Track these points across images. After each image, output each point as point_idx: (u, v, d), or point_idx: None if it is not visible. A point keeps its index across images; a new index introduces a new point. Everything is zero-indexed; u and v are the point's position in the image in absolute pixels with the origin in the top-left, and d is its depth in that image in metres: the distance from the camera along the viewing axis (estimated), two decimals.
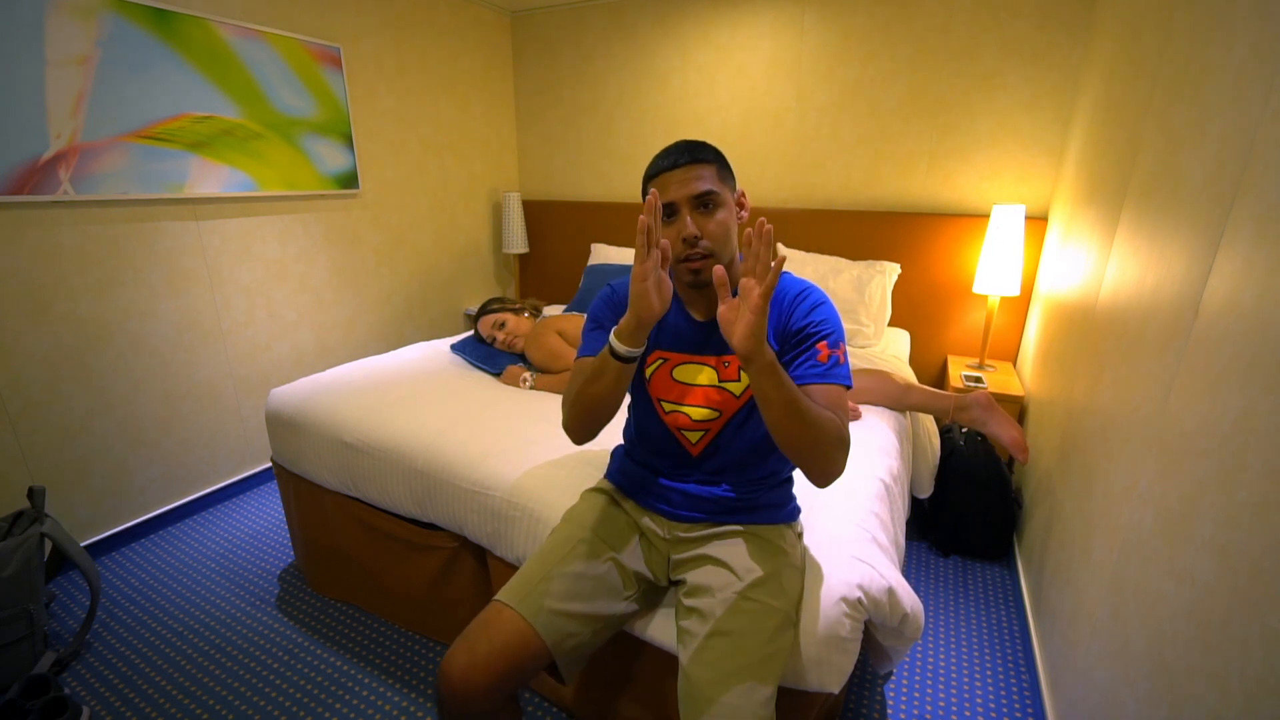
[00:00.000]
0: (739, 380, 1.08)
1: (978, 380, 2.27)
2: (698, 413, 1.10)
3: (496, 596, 1.05)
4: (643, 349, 0.97)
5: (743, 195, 1.07)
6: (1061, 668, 1.34)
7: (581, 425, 1.08)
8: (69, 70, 1.80)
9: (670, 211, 1.00)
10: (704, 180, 0.99)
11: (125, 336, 2.06)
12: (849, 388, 1.00)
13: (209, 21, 2.10)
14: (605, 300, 1.14)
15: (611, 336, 0.96)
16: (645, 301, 0.91)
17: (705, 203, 0.99)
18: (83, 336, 1.95)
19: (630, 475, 1.20)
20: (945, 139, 2.50)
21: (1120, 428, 1.19)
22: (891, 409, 1.88)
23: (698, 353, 1.10)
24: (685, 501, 1.13)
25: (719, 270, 0.87)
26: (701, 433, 1.11)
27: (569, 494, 1.31)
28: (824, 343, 1.00)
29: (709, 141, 1.06)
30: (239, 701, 1.51)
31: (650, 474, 1.17)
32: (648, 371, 1.13)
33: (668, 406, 1.12)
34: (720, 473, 1.13)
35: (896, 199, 2.66)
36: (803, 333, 1.01)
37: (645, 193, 1.04)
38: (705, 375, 1.10)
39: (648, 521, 1.16)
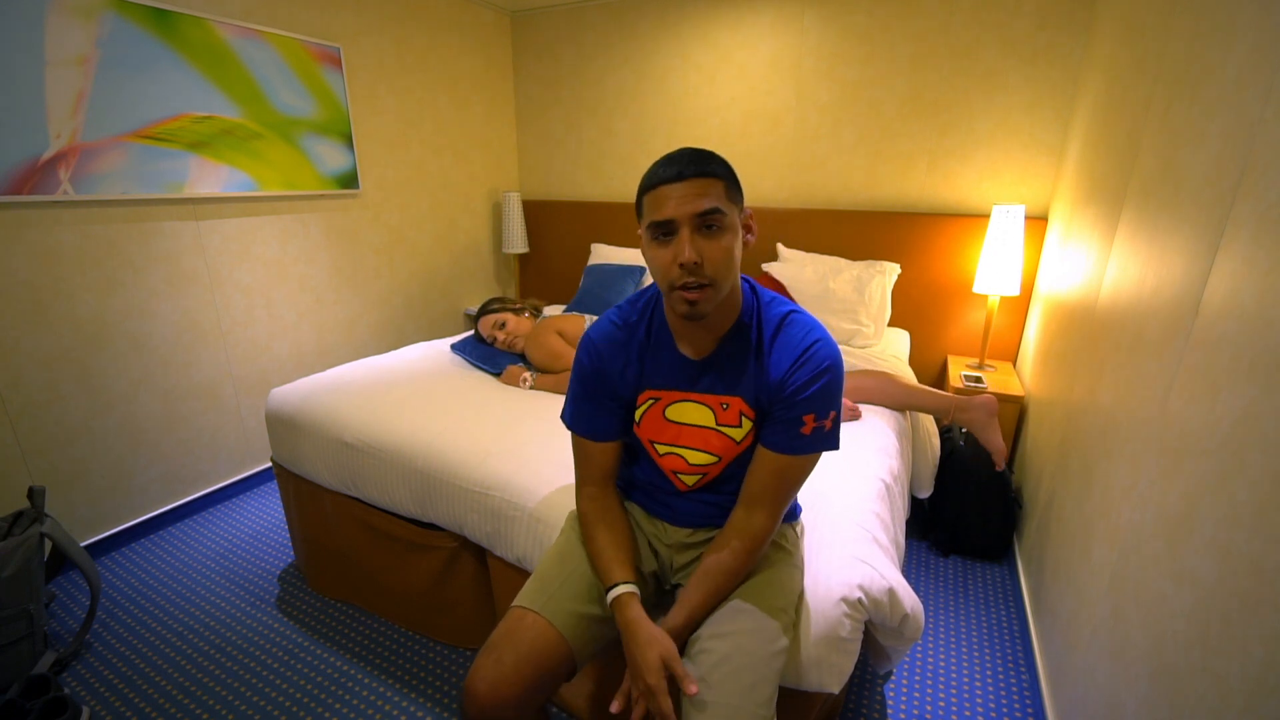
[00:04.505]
0: (739, 425, 1.00)
1: (978, 380, 2.27)
2: (695, 457, 1.03)
3: (516, 603, 1.02)
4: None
5: (750, 217, 0.94)
6: (1061, 668, 1.34)
7: None
8: (69, 70, 1.80)
9: (667, 230, 0.87)
10: (710, 197, 0.85)
11: (125, 337, 2.06)
12: (833, 449, 0.98)
13: (209, 21, 2.10)
14: (591, 357, 1.05)
15: (609, 590, 0.99)
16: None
17: (710, 223, 0.86)
18: (82, 337, 1.95)
19: (630, 480, 1.19)
20: (945, 139, 2.50)
21: (1120, 428, 1.19)
22: (893, 409, 1.89)
23: (691, 390, 1.01)
24: (689, 508, 1.11)
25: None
26: (698, 476, 1.06)
27: (570, 494, 1.31)
28: (811, 414, 0.93)
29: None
30: (239, 701, 1.51)
31: (651, 485, 1.15)
32: (637, 414, 1.05)
33: (661, 449, 1.05)
34: (718, 492, 1.09)
35: (896, 199, 2.66)
36: (793, 399, 0.94)
37: (640, 206, 0.92)
38: (702, 415, 1.01)
39: (649, 526, 1.15)
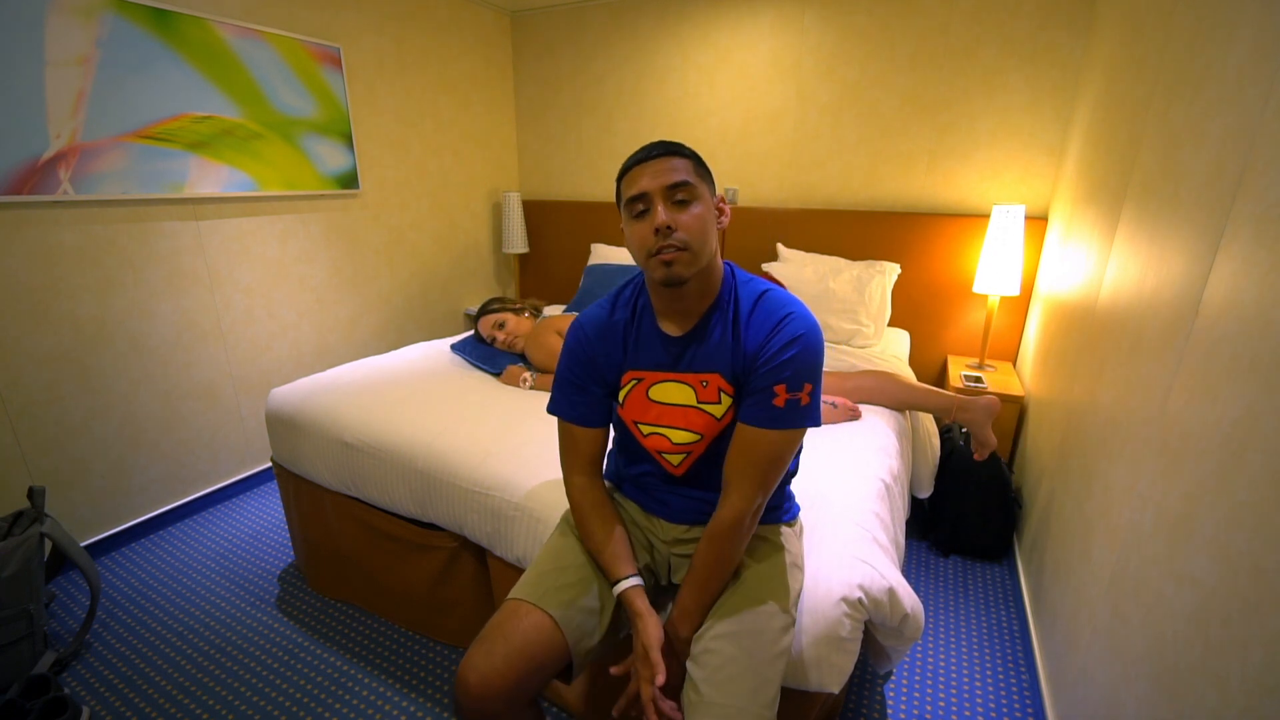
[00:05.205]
0: (719, 402, 1.01)
1: (978, 380, 2.27)
2: (678, 435, 1.05)
3: (511, 595, 1.03)
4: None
5: (723, 201, 1.01)
6: (1061, 668, 1.34)
7: None
8: (69, 70, 1.80)
9: (643, 204, 0.94)
10: (678, 171, 0.93)
11: (125, 337, 2.06)
12: (812, 425, 0.97)
13: (209, 21, 2.10)
14: (580, 342, 1.08)
15: (616, 583, 1.02)
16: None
17: (680, 196, 0.93)
18: (82, 337, 1.95)
19: (625, 475, 1.19)
20: (945, 139, 2.50)
21: (1120, 428, 1.19)
22: (893, 409, 1.89)
23: (672, 369, 1.04)
24: (683, 504, 1.12)
25: None
26: (683, 455, 1.06)
27: None
28: (782, 385, 0.93)
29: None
30: (239, 701, 1.51)
31: (644, 476, 1.16)
32: (621, 395, 1.08)
33: (645, 429, 1.07)
34: (710, 487, 1.09)
35: (896, 199, 2.66)
36: (764, 370, 0.95)
37: (619, 194, 0.99)
38: (683, 394, 1.03)
39: (646, 523, 1.16)
